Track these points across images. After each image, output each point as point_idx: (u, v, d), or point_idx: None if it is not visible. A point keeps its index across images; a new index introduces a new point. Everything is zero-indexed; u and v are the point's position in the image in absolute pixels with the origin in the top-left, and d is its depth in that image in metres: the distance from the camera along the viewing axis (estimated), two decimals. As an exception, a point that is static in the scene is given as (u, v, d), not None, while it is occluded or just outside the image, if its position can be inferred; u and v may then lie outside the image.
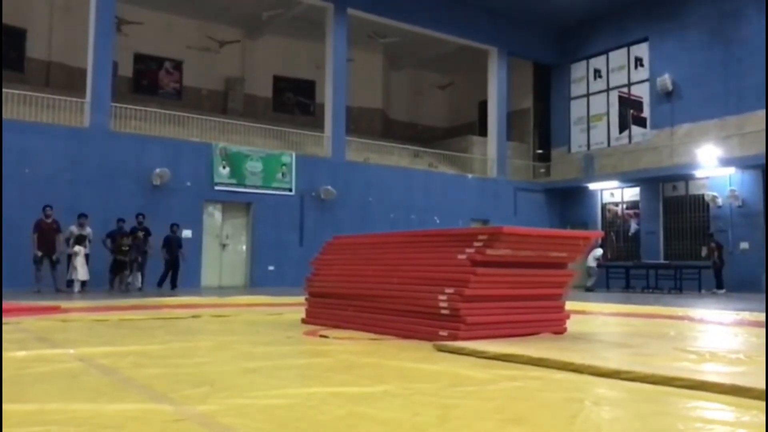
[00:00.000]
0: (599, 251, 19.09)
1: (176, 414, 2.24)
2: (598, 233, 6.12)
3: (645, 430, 2.14)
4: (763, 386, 2.58)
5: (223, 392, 2.62)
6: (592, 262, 18.71)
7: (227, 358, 3.65)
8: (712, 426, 2.16)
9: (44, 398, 2.45)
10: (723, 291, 16.64)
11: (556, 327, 4.88)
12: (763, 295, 13.61)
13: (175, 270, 14.52)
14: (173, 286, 14.39)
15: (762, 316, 6.84)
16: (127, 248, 13.58)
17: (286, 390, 2.71)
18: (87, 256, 13.14)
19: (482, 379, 3.01)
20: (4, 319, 5.29)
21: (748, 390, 2.61)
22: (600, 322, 6.59)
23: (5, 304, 6.55)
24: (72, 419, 2.11)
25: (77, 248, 12.97)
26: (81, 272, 12.90)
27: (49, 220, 12.87)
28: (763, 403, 2.42)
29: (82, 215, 13.31)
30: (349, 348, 4.14)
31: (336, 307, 5.50)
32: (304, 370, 3.47)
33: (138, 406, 2.36)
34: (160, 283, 14.36)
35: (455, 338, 4.24)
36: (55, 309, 6.87)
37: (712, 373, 3.14)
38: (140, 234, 13.96)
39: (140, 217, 14.17)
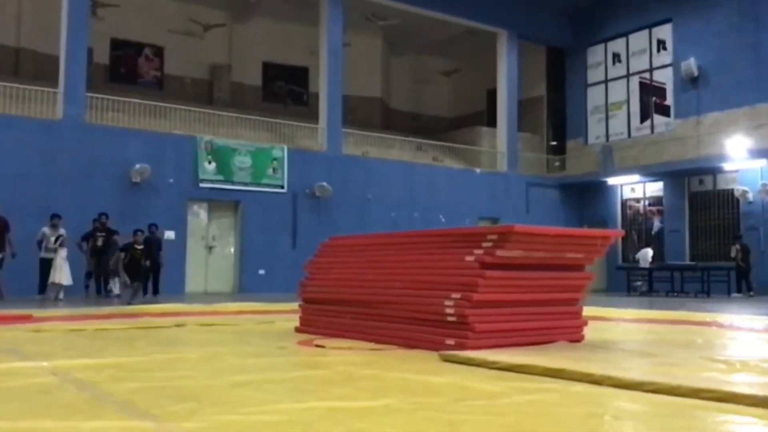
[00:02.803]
0: (649, 252, 18.93)
1: (159, 431, 2.25)
2: (618, 232, 6.12)
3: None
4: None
5: (210, 408, 2.63)
6: (643, 264, 18.63)
7: (214, 371, 3.66)
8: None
9: (14, 416, 2.45)
10: (740, 295, 16.85)
11: (573, 335, 4.89)
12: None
13: (155, 274, 14.51)
14: (155, 291, 14.39)
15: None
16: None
17: (279, 405, 2.71)
18: (48, 260, 13.09)
19: (492, 392, 3.02)
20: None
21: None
22: (621, 329, 6.60)
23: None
24: (45, 438, 2.12)
25: (61, 251, 12.99)
26: (64, 276, 12.88)
27: None
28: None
29: (55, 215, 13.30)
30: (348, 359, 4.14)
31: (332, 314, 5.51)
32: (299, 384, 3.47)
33: (117, 424, 2.36)
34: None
35: (463, 347, 4.24)
36: (27, 318, 6.88)
37: (742, 384, 3.15)
38: (115, 237, 13.91)
39: (103, 217, 13.97)
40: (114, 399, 2.84)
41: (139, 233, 12.70)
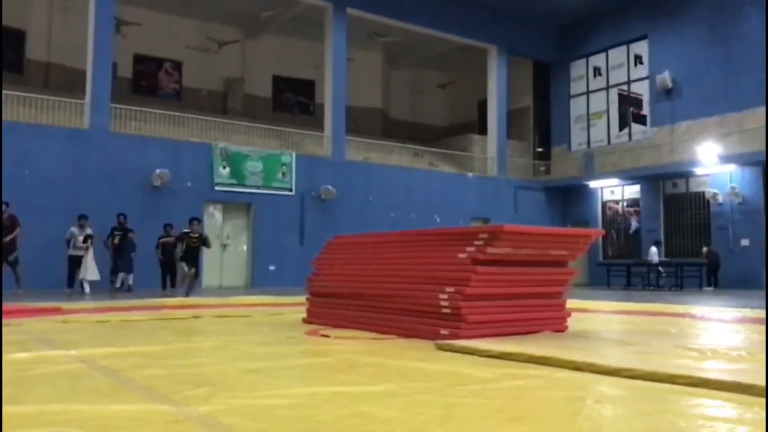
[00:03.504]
0: (654, 249, 18.55)
1: (178, 414, 2.24)
2: (598, 231, 6.09)
3: (647, 428, 2.14)
4: (765, 383, 2.57)
5: (224, 393, 2.62)
6: (652, 259, 18.27)
7: (228, 359, 3.65)
8: (713, 423, 2.16)
9: (45, 399, 2.45)
10: (711, 288, 17.06)
11: (557, 325, 4.88)
12: (763, 292, 13.61)
13: (172, 271, 14.42)
14: (173, 286, 14.37)
15: (762, 313, 6.83)
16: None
17: (288, 390, 2.71)
18: (77, 258, 13.12)
19: (484, 378, 3.01)
20: (4, 321, 5.29)
21: (749, 387, 2.61)
22: (601, 320, 6.59)
23: (5, 305, 6.55)
24: (73, 420, 2.11)
25: (90, 249, 13.04)
26: (90, 272, 12.90)
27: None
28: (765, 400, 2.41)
29: (82, 216, 13.31)
30: (351, 347, 4.14)
31: (337, 306, 5.50)
32: (306, 371, 3.47)
33: (139, 407, 2.36)
34: (164, 286, 14.39)
35: (456, 337, 4.24)
36: (56, 310, 6.87)
37: (713, 370, 3.14)
38: (131, 235, 14.00)
39: (121, 217, 14.08)
40: (136, 384, 2.84)
41: (195, 222, 11.77)
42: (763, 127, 17.13)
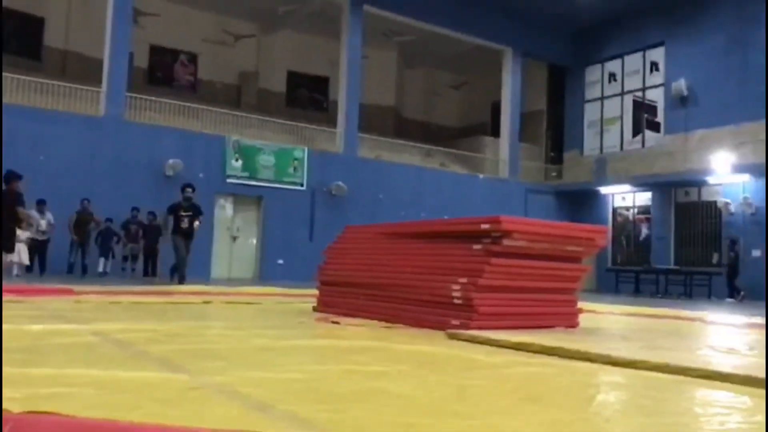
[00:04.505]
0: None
1: (193, 382, 2.26)
2: (603, 228, 6.00)
3: (664, 413, 2.13)
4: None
5: (238, 367, 2.64)
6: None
7: (240, 338, 3.67)
8: (729, 411, 2.15)
9: (63, 365, 2.47)
10: (733, 300, 16.54)
11: (569, 321, 4.87)
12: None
13: (154, 258, 14.20)
14: (154, 273, 14.07)
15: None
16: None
17: (302, 366, 2.72)
18: (42, 242, 12.80)
19: (496, 363, 3.01)
20: (19, 298, 5.33)
21: (763, 381, 2.59)
22: (612, 319, 6.57)
23: (18, 285, 6.61)
24: (92, 383, 2.13)
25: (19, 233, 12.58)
26: (24, 257, 12.26)
27: None
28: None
29: (41, 201, 12.70)
30: (362, 333, 4.14)
31: (348, 295, 5.51)
32: (318, 351, 3.48)
33: (155, 375, 2.37)
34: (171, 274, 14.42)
35: (467, 328, 4.23)
36: (68, 291, 6.92)
37: (726, 365, 3.12)
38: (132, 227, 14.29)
39: (134, 211, 14.36)
40: (151, 356, 2.86)
41: (189, 189, 11.11)
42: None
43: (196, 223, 11.00)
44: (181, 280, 10.78)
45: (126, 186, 14.97)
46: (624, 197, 22.13)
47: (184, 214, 10.75)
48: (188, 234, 10.84)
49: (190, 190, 11.01)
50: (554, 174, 23.85)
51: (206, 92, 21.51)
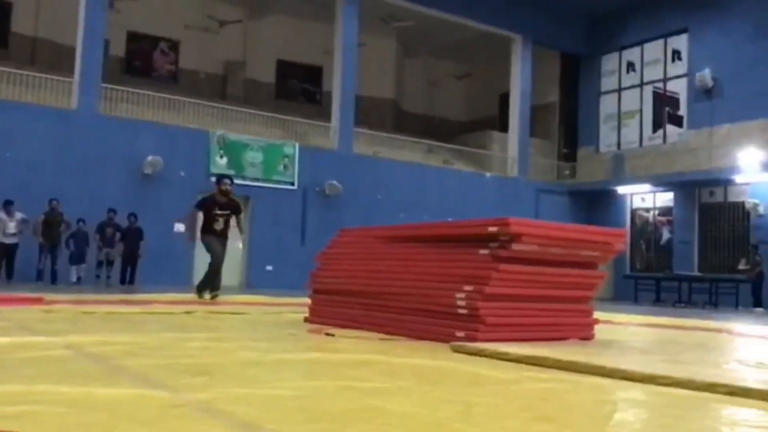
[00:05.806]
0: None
1: (174, 400, 2.25)
2: (621, 231, 6.00)
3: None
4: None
5: (223, 382, 2.63)
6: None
7: (225, 351, 3.66)
8: (758, 430, 2.15)
9: (32, 381, 2.46)
10: (762, 309, 16.56)
11: (584, 332, 4.86)
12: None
13: (133, 265, 14.53)
14: (132, 281, 14.52)
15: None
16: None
17: (292, 382, 2.71)
18: (9, 246, 13.08)
19: (505, 379, 3.01)
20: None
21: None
22: (631, 331, 6.57)
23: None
24: (62, 401, 2.12)
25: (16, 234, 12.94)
26: None
27: None
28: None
29: (8, 202, 13.14)
30: (359, 346, 4.13)
31: (343, 305, 5.50)
32: (310, 365, 3.47)
33: (133, 392, 2.36)
34: (122, 281, 14.52)
35: (473, 340, 4.22)
36: (38, 300, 6.91)
37: (756, 380, 3.12)
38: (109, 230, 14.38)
39: (111, 213, 14.40)
40: (128, 371, 2.85)
41: (227, 181, 9.63)
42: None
43: (238, 224, 9.69)
44: (214, 290, 9.32)
45: (100, 185, 14.97)
46: (643, 198, 22.17)
47: (219, 212, 9.29)
48: (224, 237, 9.59)
49: (228, 182, 9.46)
50: (567, 172, 23.89)
51: (188, 83, 21.53)
